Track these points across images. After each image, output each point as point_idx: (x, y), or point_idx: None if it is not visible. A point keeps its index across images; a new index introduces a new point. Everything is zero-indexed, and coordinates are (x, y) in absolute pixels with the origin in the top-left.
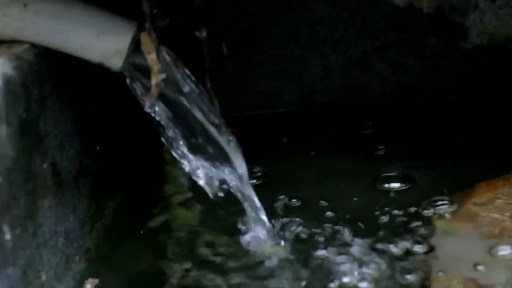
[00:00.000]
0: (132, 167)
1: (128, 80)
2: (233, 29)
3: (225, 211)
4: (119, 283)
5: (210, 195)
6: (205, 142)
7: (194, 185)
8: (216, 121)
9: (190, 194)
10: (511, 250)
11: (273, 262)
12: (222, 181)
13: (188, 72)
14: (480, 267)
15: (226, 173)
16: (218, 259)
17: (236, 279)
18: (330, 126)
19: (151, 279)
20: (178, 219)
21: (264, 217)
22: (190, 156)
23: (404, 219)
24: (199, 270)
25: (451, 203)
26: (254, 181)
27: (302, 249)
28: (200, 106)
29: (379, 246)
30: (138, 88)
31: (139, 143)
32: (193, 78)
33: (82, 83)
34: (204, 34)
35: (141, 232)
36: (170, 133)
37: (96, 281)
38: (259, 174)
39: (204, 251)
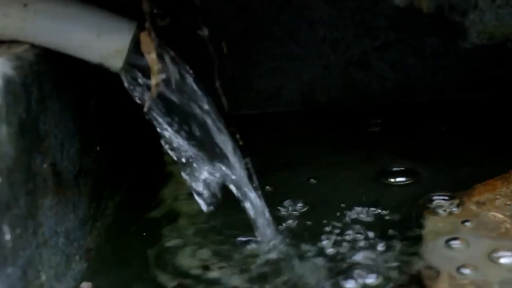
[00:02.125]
0: (133, 166)
1: (126, 81)
2: (233, 27)
3: (226, 211)
4: (119, 283)
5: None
6: (205, 140)
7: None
8: (218, 119)
9: (191, 194)
10: (509, 251)
11: (272, 263)
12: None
13: (190, 71)
14: (477, 268)
15: (223, 171)
16: (219, 260)
17: (237, 279)
18: (329, 125)
19: (151, 279)
20: (179, 218)
21: (267, 215)
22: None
23: (401, 218)
24: (200, 270)
25: (449, 202)
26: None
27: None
28: (200, 104)
29: (375, 240)
30: (137, 88)
31: (140, 143)
32: (194, 77)
33: (82, 83)
34: (206, 32)
35: (144, 234)
36: (169, 131)
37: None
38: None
39: (205, 251)
